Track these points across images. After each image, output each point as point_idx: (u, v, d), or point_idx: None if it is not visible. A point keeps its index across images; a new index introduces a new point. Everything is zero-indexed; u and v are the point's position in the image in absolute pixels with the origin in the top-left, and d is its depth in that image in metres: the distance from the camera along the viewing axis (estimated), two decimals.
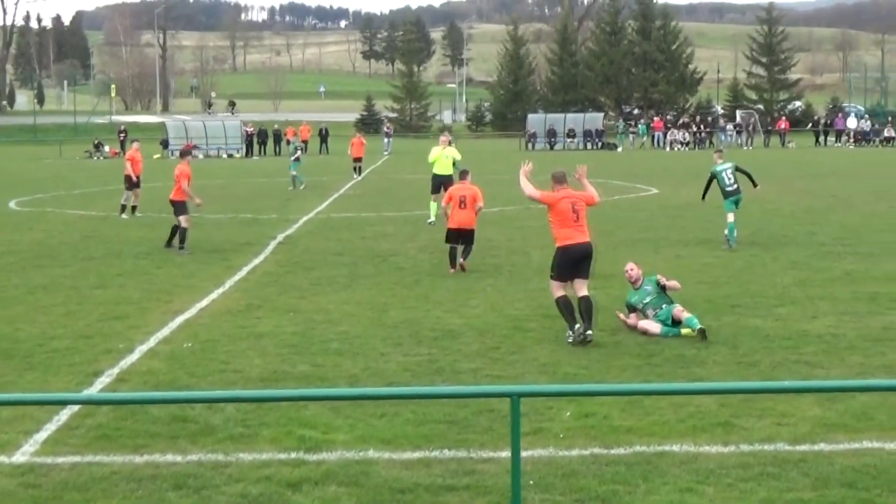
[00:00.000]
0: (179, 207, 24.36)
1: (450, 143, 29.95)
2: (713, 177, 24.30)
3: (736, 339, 14.51)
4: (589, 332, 14.14)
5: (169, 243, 24.40)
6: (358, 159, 50.18)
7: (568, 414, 11.06)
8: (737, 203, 24.02)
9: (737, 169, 24.21)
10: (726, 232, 23.86)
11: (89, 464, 9.92)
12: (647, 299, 15.36)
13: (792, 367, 13.12)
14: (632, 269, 15.98)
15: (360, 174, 49.75)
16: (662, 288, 15.57)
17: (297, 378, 12.88)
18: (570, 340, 14.21)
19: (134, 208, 31.38)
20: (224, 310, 17.17)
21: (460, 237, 20.86)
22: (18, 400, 10.82)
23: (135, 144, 32.92)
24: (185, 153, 27.10)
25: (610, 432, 10.60)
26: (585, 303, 14.37)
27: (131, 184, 31.20)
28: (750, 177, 24.74)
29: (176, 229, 24.34)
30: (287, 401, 11.31)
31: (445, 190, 28.06)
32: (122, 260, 22.88)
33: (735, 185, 23.98)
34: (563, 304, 14.52)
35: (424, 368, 13.24)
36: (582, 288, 14.56)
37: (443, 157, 28.71)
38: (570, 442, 10.34)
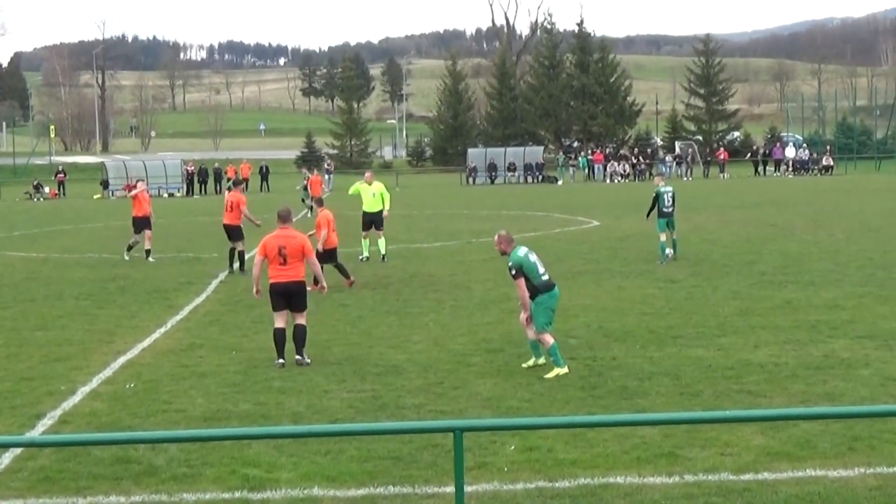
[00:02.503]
0: (235, 232, 26.97)
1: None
2: (657, 196, 26.95)
3: (678, 369, 14.64)
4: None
5: (231, 268, 26.52)
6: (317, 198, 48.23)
7: (512, 447, 11.10)
8: (669, 224, 26.90)
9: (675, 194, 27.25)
10: (661, 253, 26.47)
11: None
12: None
13: (735, 396, 13.26)
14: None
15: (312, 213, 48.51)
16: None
17: (240, 417, 12.83)
18: None
19: (148, 252, 29.67)
20: (166, 349, 17.08)
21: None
22: None
23: (140, 185, 32.14)
24: (237, 182, 30.79)
25: (554, 465, 10.65)
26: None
27: (140, 225, 30.02)
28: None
29: (234, 252, 26.68)
30: (230, 440, 11.27)
31: (376, 227, 28.30)
32: (63, 301, 22.67)
33: (671, 209, 26.99)
34: None
35: (368, 405, 13.24)
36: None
37: (369, 195, 28.71)
38: (514, 476, 10.38)
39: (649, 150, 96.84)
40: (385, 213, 28.70)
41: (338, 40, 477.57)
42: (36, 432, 12.38)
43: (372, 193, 28.76)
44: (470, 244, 32.63)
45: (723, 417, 10.39)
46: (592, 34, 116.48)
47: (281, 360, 15.55)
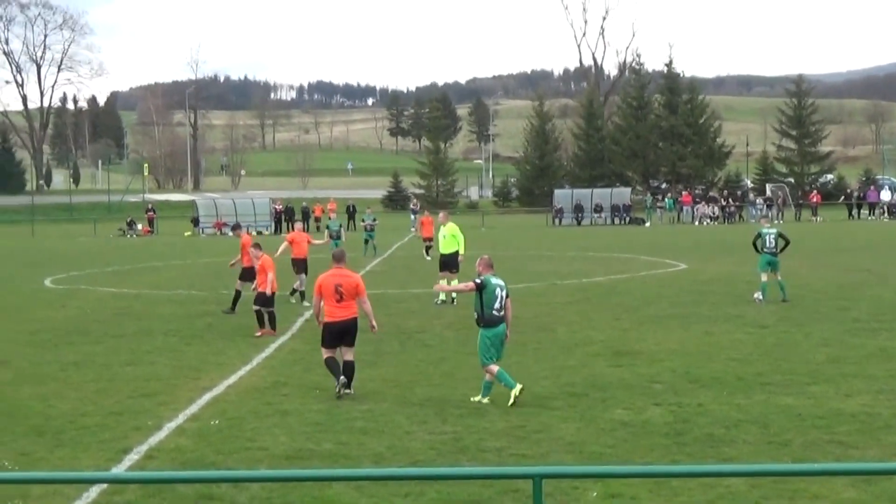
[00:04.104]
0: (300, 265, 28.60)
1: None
2: (758, 237, 27.63)
3: (767, 417, 14.36)
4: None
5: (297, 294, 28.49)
6: (428, 239, 44.36)
7: (594, 494, 10.97)
8: (771, 265, 27.07)
9: (780, 235, 27.42)
10: (758, 295, 26.72)
11: None
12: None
13: (825, 447, 12.95)
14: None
15: (429, 255, 43.88)
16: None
17: (321, 456, 12.85)
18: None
19: (302, 294, 29.19)
20: (251, 387, 17.20)
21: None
22: (48, 478, 10.81)
23: (297, 226, 32.35)
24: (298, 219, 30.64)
25: None
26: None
27: (300, 267, 29.47)
28: (785, 246, 27.52)
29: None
30: (311, 480, 11.27)
31: (450, 269, 28.13)
32: (152, 337, 22.98)
33: (774, 249, 27.18)
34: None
35: (449, 447, 13.18)
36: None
37: (441, 236, 28.65)
38: None
39: (739, 193, 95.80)
40: (460, 255, 28.48)
41: (425, 80, 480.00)
42: (122, 467, 12.53)
43: (443, 235, 28.73)
44: (555, 286, 32.47)
45: (812, 470, 10.14)
46: (682, 74, 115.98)
47: (343, 378, 16.21)
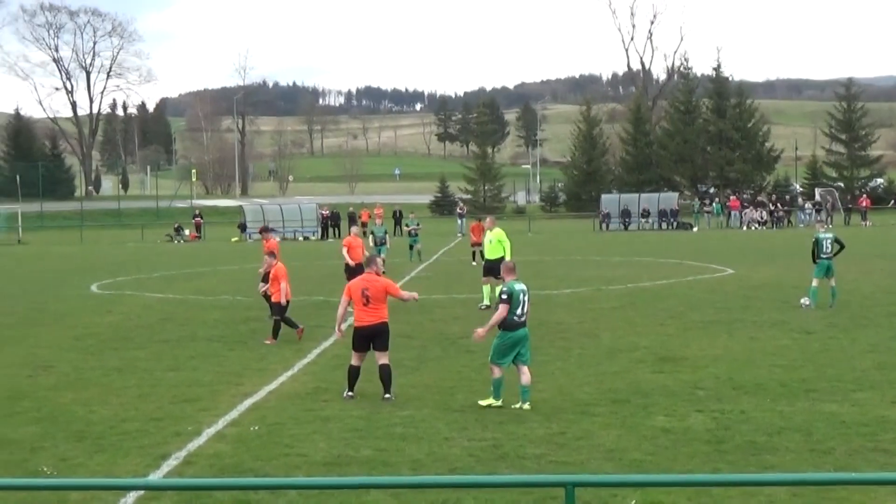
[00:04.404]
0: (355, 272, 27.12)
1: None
2: (816, 242, 27.04)
3: (810, 425, 14.16)
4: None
5: None
6: (478, 244, 42.49)
7: (633, 502, 10.85)
8: (827, 271, 26.79)
9: (835, 240, 27.23)
10: (806, 301, 26.55)
11: None
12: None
13: (869, 455, 12.75)
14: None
15: (475, 260, 42.89)
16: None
17: (360, 462, 12.82)
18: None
19: None
20: (292, 393, 17.22)
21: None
22: (85, 485, 10.81)
23: (354, 230, 31.93)
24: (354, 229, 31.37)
25: None
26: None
27: (354, 274, 29.55)
28: (839, 251, 27.46)
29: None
30: (347, 489, 11.23)
31: (494, 276, 27.78)
32: (196, 342, 23.08)
33: (830, 254, 26.92)
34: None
35: (488, 454, 13.10)
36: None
37: (486, 241, 28.45)
38: None
39: (787, 197, 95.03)
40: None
41: (474, 85, 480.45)
42: (160, 473, 12.56)
43: (489, 240, 28.50)
44: (600, 291, 32.29)
45: (855, 479, 9.89)
46: (731, 78, 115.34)
47: (350, 393, 16.62)
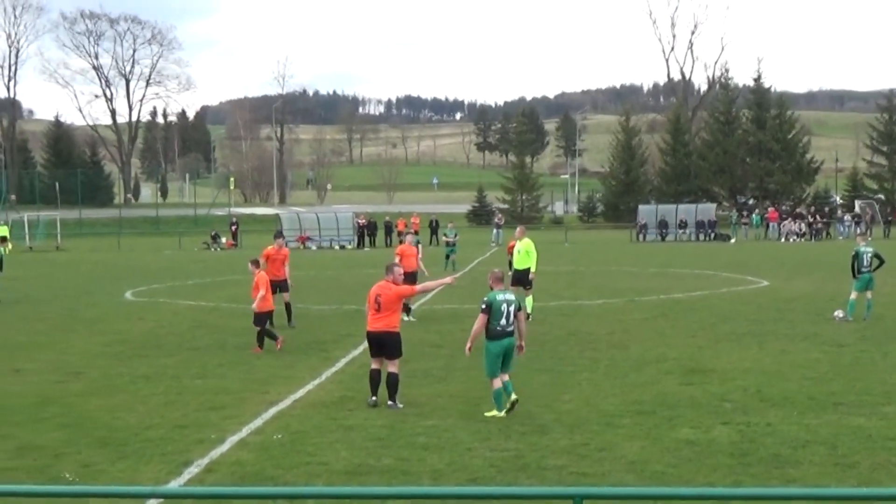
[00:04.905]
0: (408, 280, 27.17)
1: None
2: (856, 256, 26.90)
3: (836, 438, 14.01)
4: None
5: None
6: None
7: None
8: (867, 284, 26.66)
9: (875, 255, 26.97)
10: (840, 313, 26.56)
11: None
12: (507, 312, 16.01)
13: (893, 470, 12.58)
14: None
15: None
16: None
17: (381, 472, 12.79)
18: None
19: (408, 310, 28.30)
20: (317, 401, 17.22)
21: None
22: (103, 493, 10.79)
23: (409, 238, 31.40)
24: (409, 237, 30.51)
25: None
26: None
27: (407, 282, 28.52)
28: (878, 266, 27.15)
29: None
30: (366, 498, 11.16)
31: (523, 286, 27.61)
32: (225, 350, 23.15)
33: (870, 268, 26.79)
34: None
35: (510, 464, 13.04)
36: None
37: (516, 252, 28.34)
38: None
39: (827, 209, 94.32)
40: (532, 273, 27.92)
41: (514, 95, 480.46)
42: (181, 480, 12.57)
43: (517, 250, 28.41)
44: (633, 302, 32.15)
45: (880, 494, 9.73)
46: (772, 89, 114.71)
47: (374, 399, 16.71)
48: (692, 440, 14.04)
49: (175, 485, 12.33)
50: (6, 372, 20.54)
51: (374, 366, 16.95)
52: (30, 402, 17.37)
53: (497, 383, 15.89)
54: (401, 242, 31.85)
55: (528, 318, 27.54)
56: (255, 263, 24.38)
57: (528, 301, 27.83)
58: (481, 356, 16.36)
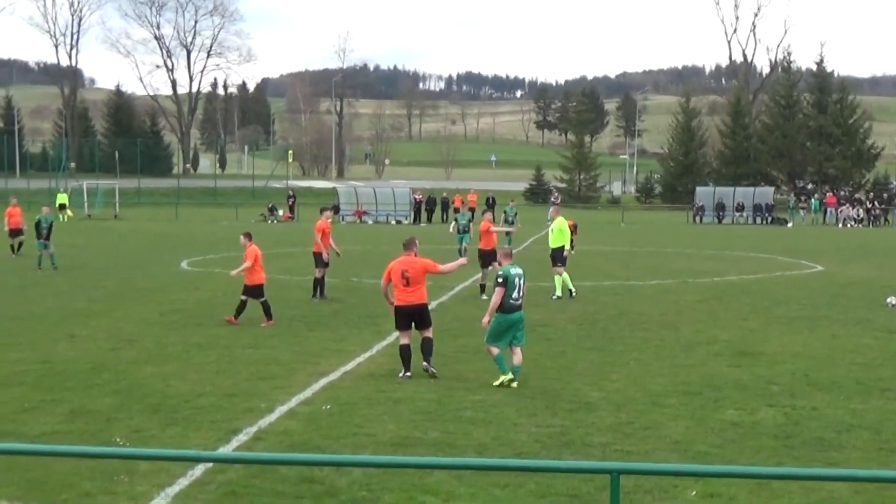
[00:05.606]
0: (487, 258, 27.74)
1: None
2: None
3: (881, 423, 14.00)
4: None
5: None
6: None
7: (693, 493, 10.84)
8: None
9: None
10: (893, 300, 26.00)
11: None
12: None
13: None
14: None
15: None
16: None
17: (426, 444, 12.95)
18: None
19: (483, 287, 28.27)
20: (367, 373, 17.42)
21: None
22: (153, 455, 11.03)
23: (487, 216, 30.44)
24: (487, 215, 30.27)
25: None
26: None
27: (488, 259, 28.05)
28: None
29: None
30: (410, 468, 11.35)
31: (556, 264, 27.83)
32: (277, 322, 23.38)
33: None
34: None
35: (555, 440, 13.16)
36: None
37: (549, 230, 28.58)
38: None
39: (885, 195, 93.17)
40: (566, 251, 28.32)
41: (575, 74, 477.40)
42: (230, 447, 12.81)
43: (551, 229, 28.70)
44: (686, 284, 32.08)
45: None
46: (836, 73, 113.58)
47: (408, 374, 17.02)
48: (737, 422, 14.08)
49: (223, 451, 12.56)
50: (61, 338, 20.93)
51: (405, 341, 17.26)
52: (84, 368, 17.72)
53: (495, 350, 16.45)
54: (494, 220, 31.81)
55: (571, 294, 27.73)
56: (248, 236, 24.75)
57: (557, 280, 28.01)
58: None
